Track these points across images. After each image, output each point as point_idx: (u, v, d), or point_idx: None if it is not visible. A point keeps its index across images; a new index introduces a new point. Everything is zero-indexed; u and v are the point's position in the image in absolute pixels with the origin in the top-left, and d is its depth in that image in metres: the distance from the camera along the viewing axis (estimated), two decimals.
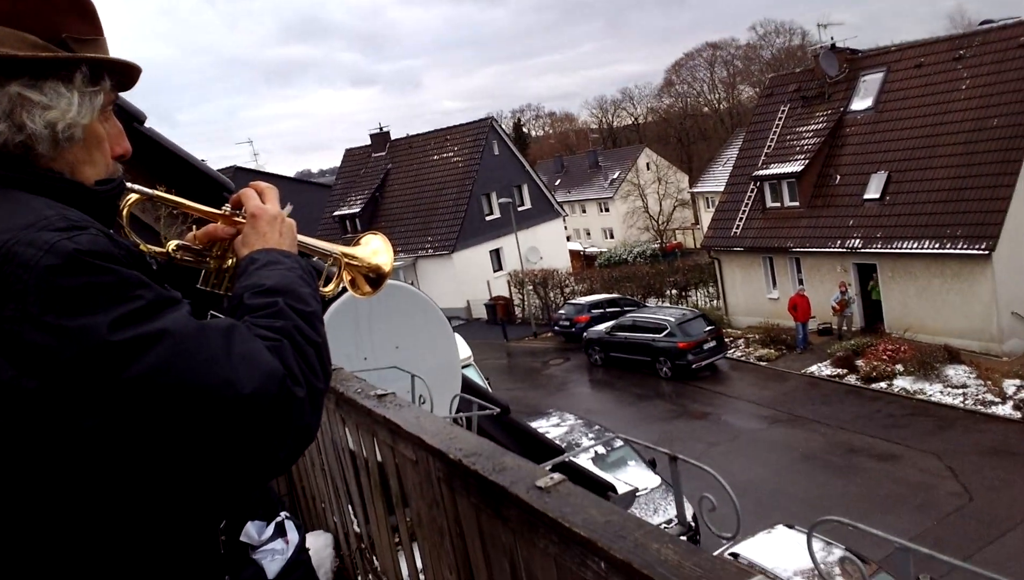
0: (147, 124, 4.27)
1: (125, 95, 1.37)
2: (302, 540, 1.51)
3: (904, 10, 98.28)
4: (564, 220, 43.85)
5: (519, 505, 1.27)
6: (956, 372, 18.72)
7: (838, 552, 8.87)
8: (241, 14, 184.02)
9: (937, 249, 20.45)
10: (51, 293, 0.96)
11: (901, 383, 18.95)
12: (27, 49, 1.10)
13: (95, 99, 1.18)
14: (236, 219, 1.47)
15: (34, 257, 0.97)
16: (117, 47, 1.28)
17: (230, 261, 1.48)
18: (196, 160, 4.75)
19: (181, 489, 1.11)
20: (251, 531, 1.38)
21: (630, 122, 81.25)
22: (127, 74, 1.26)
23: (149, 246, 1.43)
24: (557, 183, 61.57)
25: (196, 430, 1.01)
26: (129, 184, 1.36)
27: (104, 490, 1.05)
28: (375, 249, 1.74)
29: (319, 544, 2.78)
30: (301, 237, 1.54)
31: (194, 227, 1.54)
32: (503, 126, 46.16)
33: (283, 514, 1.49)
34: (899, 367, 19.34)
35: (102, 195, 1.21)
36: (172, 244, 1.50)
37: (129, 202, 1.40)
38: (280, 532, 1.45)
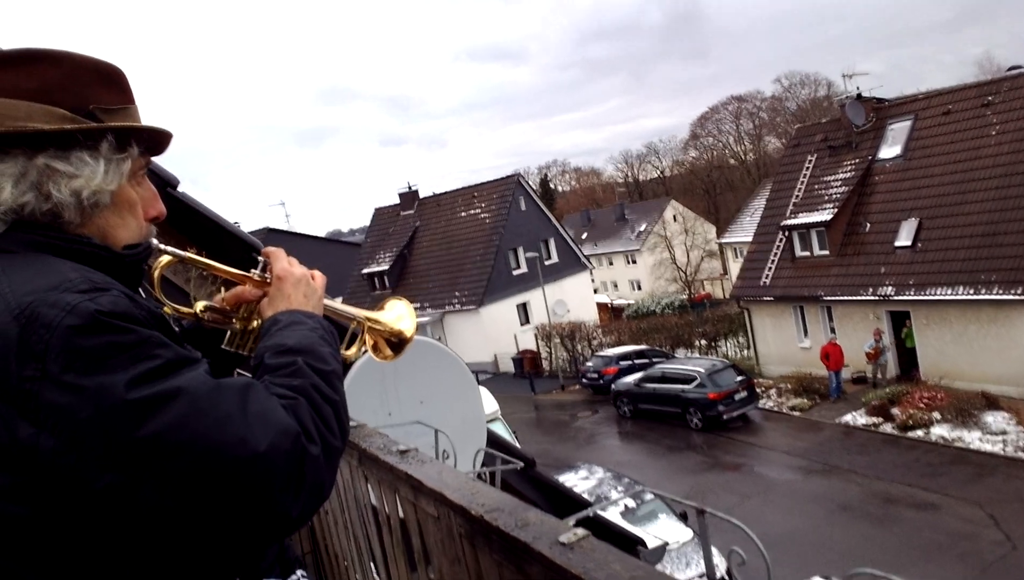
0: (181, 188, 4.38)
1: (160, 160, 1.42)
2: None
3: (929, 57, 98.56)
4: (591, 273, 43.88)
5: (541, 561, 1.26)
6: (995, 419, 18.20)
7: None
8: (274, 83, 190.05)
9: (972, 295, 20.11)
10: (71, 353, 0.99)
11: (939, 431, 18.46)
12: (55, 122, 1.15)
13: (122, 165, 1.22)
14: (263, 281, 1.51)
15: (56, 317, 1.00)
16: (156, 114, 1.32)
17: (255, 322, 1.51)
18: (227, 222, 4.85)
19: (194, 545, 1.12)
20: None
21: (656, 175, 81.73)
22: (156, 140, 1.30)
23: (178, 307, 1.47)
24: (584, 236, 61.85)
25: (209, 487, 1.02)
26: (161, 246, 1.39)
27: (118, 546, 1.06)
28: (399, 314, 1.76)
29: None
30: (327, 302, 1.57)
31: (223, 289, 1.57)
32: (530, 182, 46.64)
33: (299, 572, 1.48)
34: (936, 415, 18.87)
35: (128, 259, 1.25)
36: (200, 305, 1.53)
37: (161, 264, 1.44)
38: None
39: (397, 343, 1.75)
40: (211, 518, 1.05)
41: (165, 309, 1.36)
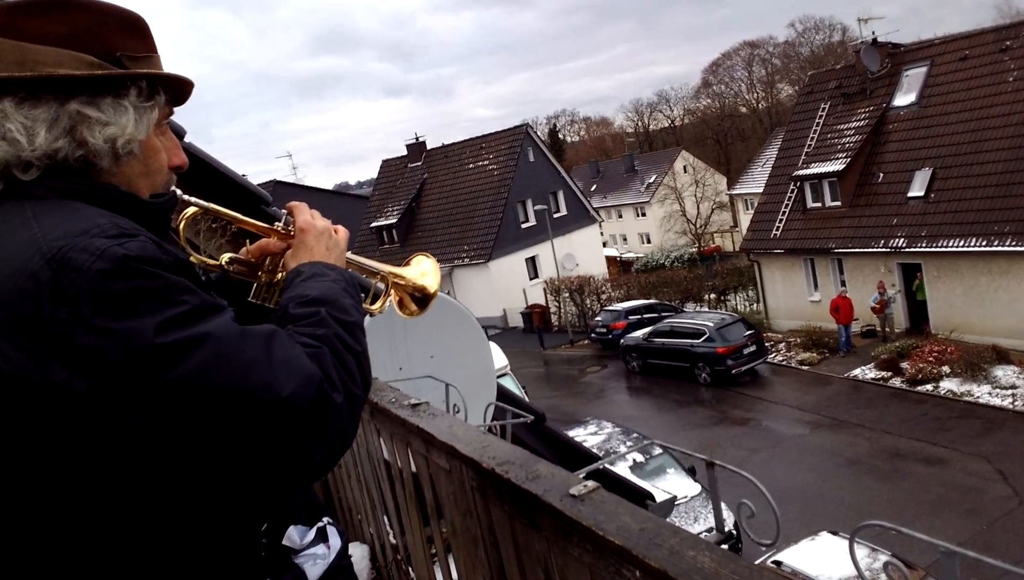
0: (186, 139, 4.34)
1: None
2: (344, 545, 1.52)
3: (946, 1, 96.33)
4: (600, 226, 43.71)
5: (552, 513, 1.27)
6: (1005, 373, 18.21)
7: (883, 557, 8.67)
8: (268, 27, 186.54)
9: (984, 247, 19.95)
10: (102, 297, 1.00)
11: (948, 385, 18.50)
12: (84, 68, 1.15)
13: (151, 114, 1.23)
14: (287, 234, 1.52)
15: (87, 262, 1.01)
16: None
17: (280, 275, 1.52)
18: (236, 174, 4.83)
19: (221, 489, 1.15)
20: (293, 535, 1.40)
21: (666, 124, 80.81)
22: (180, 89, 1.30)
23: (204, 259, 1.48)
24: (593, 188, 61.40)
25: (235, 431, 1.04)
26: (187, 197, 1.40)
27: (149, 488, 1.08)
28: (424, 270, 1.78)
29: (356, 556, 2.78)
30: (351, 255, 1.59)
31: (247, 242, 1.58)
32: (538, 132, 46.20)
33: (326, 519, 1.51)
34: (946, 369, 18.89)
35: (155, 207, 1.26)
36: (225, 257, 1.54)
37: (187, 215, 1.45)
38: (322, 537, 1.47)
39: (421, 298, 1.76)
40: (237, 462, 1.08)
41: (191, 259, 1.36)
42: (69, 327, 0.99)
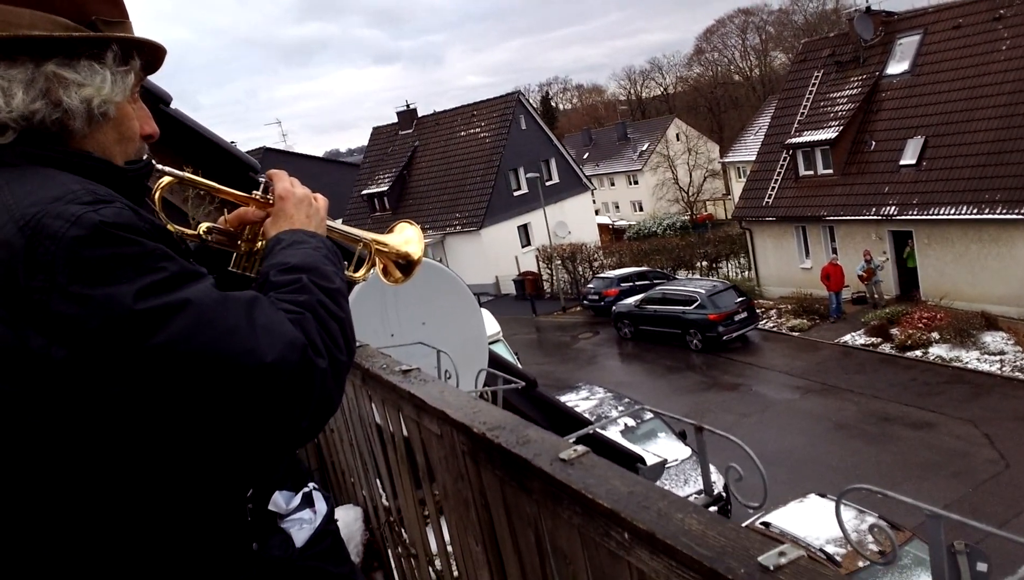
0: (172, 106, 4.29)
1: (150, 77, 1.40)
2: (330, 510, 1.53)
3: None
4: (592, 194, 43.56)
5: (542, 477, 1.28)
6: (993, 339, 18.38)
7: (870, 520, 8.82)
8: None
9: (975, 215, 20.00)
10: (78, 263, 0.99)
11: (937, 351, 18.66)
12: (59, 30, 1.13)
13: (126, 78, 1.21)
14: (266, 202, 1.51)
15: (61, 229, 1.00)
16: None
17: (260, 244, 1.51)
18: (223, 141, 4.78)
19: (206, 456, 1.15)
20: (279, 500, 1.41)
21: (659, 92, 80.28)
22: (154, 55, 1.29)
23: (181, 229, 1.47)
24: (585, 156, 61.11)
25: (219, 397, 1.04)
26: (161, 167, 1.39)
27: (131, 457, 1.08)
28: (407, 238, 1.77)
29: (349, 518, 2.82)
30: (332, 224, 1.58)
31: (226, 211, 1.56)
32: (530, 100, 45.79)
33: (311, 484, 1.51)
34: (935, 335, 19.05)
35: (130, 174, 1.24)
36: (203, 226, 1.53)
37: (162, 185, 1.44)
38: (308, 502, 1.48)
39: (405, 265, 1.75)
40: (222, 429, 1.07)
41: (168, 228, 1.36)
42: (45, 294, 0.98)
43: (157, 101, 3.90)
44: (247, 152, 5.49)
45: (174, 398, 1.03)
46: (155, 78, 1.46)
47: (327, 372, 1.14)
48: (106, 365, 1.00)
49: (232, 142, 5.36)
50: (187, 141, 4.40)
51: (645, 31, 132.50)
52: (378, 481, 2.67)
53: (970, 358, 18.00)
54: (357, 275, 1.69)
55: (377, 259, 1.74)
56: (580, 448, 1.29)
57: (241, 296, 1.12)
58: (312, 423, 1.13)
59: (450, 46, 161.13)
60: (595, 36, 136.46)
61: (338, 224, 1.66)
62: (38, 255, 0.98)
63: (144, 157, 1.31)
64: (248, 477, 1.32)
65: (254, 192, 1.52)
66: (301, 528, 1.43)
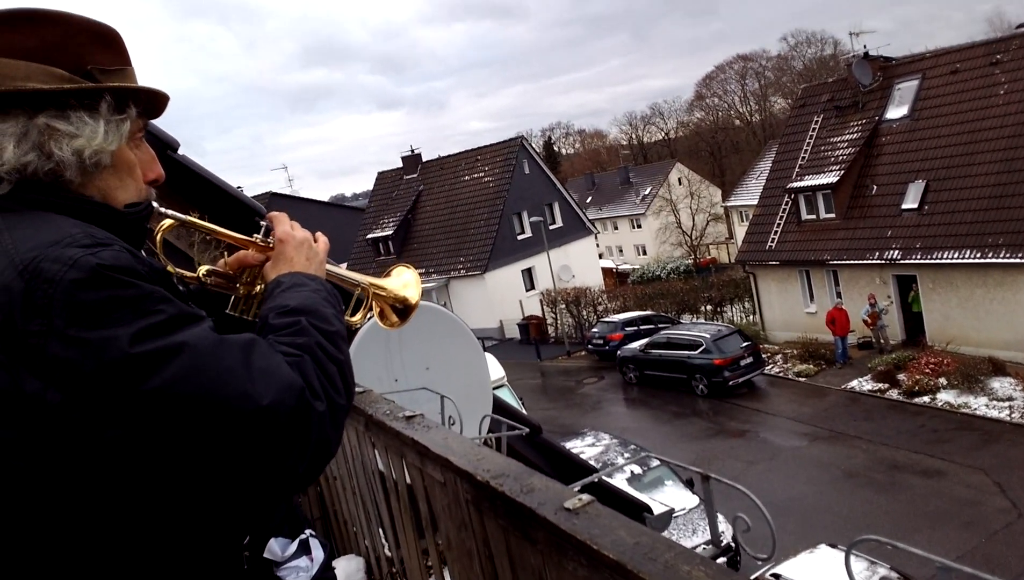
0: (179, 152, 4.34)
1: (158, 122, 1.42)
2: (328, 558, 1.51)
3: (938, 15, 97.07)
4: (596, 237, 43.76)
5: (547, 527, 1.26)
6: (1002, 384, 18.22)
7: (882, 571, 8.65)
8: (258, 38, 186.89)
9: (979, 259, 20.01)
10: (75, 307, 0.99)
11: (945, 397, 18.50)
12: (53, 82, 1.14)
13: (122, 126, 1.22)
14: (266, 246, 1.51)
15: (59, 272, 1.00)
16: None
17: (259, 287, 1.52)
18: (229, 186, 4.81)
19: (202, 501, 1.13)
20: (275, 548, 1.39)
21: (661, 137, 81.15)
22: (154, 102, 1.30)
23: (180, 271, 1.48)
24: (588, 200, 61.54)
25: (214, 441, 1.03)
26: (163, 209, 1.40)
27: (126, 502, 1.07)
28: (405, 282, 1.77)
29: (351, 568, 2.77)
30: (331, 267, 1.58)
31: (226, 254, 1.57)
32: (533, 145, 46.29)
33: (308, 532, 1.49)
34: (942, 380, 18.89)
35: (130, 217, 1.25)
36: (203, 269, 1.54)
37: (163, 227, 1.46)
38: (304, 549, 1.46)
39: (403, 309, 1.75)
40: (217, 474, 1.06)
41: (168, 269, 1.36)
42: (42, 338, 0.98)
43: (164, 147, 3.94)
44: (253, 197, 5.53)
45: (169, 442, 1.02)
46: (161, 124, 1.48)
47: (325, 416, 1.13)
48: (101, 409, 0.99)
49: (239, 187, 5.41)
50: (195, 187, 4.43)
51: (646, 77, 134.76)
52: (380, 530, 2.63)
53: (979, 404, 17.82)
54: (354, 319, 1.69)
55: (374, 303, 1.74)
56: (585, 497, 1.27)
57: (238, 339, 1.11)
58: (309, 468, 1.12)
59: (453, 92, 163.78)
60: (596, 82, 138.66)
61: (337, 267, 1.66)
62: (36, 299, 0.99)
63: (147, 201, 1.32)
64: (244, 523, 1.30)
65: (255, 235, 1.53)
66: (298, 576, 1.40)
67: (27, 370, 0.98)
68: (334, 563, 1.64)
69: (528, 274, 37.68)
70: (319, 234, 1.57)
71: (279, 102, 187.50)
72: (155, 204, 1.35)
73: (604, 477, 6.54)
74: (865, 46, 26.28)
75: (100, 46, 1.22)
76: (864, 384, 20.50)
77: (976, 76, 22.50)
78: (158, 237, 1.44)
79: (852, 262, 23.56)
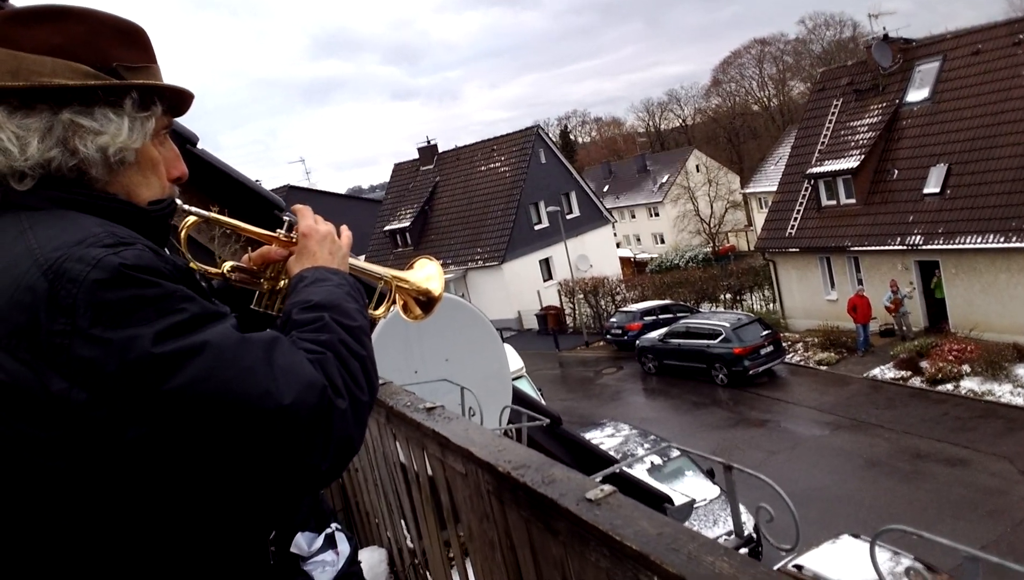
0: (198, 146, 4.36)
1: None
2: (354, 552, 1.51)
3: None
4: (613, 226, 43.60)
5: (568, 518, 1.26)
6: None
7: (906, 562, 8.59)
8: (268, 31, 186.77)
9: (1002, 243, 19.72)
10: (98, 306, 1.00)
11: (968, 384, 18.30)
12: (78, 78, 1.15)
13: (146, 124, 1.22)
14: (289, 240, 1.51)
15: (82, 272, 1.01)
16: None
17: (283, 282, 1.52)
18: (248, 180, 4.84)
19: (226, 498, 1.14)
20: (301, 542, 1.39)
21: (678, 124, 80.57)
22: (178, 99, 1.30)
23: (204, 267, 1.48)
24: (605, 189, 61.29)
25: (237, 439, 1.04)
26: (186, 206, 1.41)
27: (153, 498, 1.08)
28: (428, 274, 1.77)
29: (374, 560, 2.79)
30: (354, 261, 1.58)
31: (249, 249, 1.57)
32: (549, 134, 46.14)
33: (334, 526, 1.50)
34: (966, 368, 18.68)
35: (153, 214, 1.25)
36: (227, 265, 1.54)
37: (187, 224, 1.46)
38: (331, 544, 1.46)
39: (426, 302, 1.75)
40: (241, 471, 1.07)
41: (191, 266, 1.37)
42: (67, 338, 0.99)
43: (184, 142, 3.97)
44: (271, 190, 5.55)
45: (191, 441, 1.03)
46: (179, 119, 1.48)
47: (347, 413, 1.13)
48: (124, 408, 1.00)
49: (257, 181, 5.44)
50: (214, 181, 4.46)
51: (661, 64, 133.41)
52: (403, 522, 2.64)
53: (1003, 391, 17.61)
54: (377, 313, 1.69)
55: (397, 296, 1.74)
56: (607, 488, 1.27)
57: (261, 337, 1.12)
58: (332, 465, 1.12)
59: (466, 81, 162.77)
60: (611, 69, 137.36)
61: (359, 261, 1.66)
62: (60, 298, 1.00)
63: (171, 198, 1.32)
64: (269, 519, 1.31)
65: (278, 230, 1.53)
66: (324, 570, 1.41)
67: (52, 370, 0.99)
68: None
69: (546, 264, 37.63)
70: (343, 228, 1.57)
71: (293, 94, 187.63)
72: (178, 201, 1.36)
73: (625, 468, 6.54)
74: (884, 28, 25.95)
75: (126, 43, 1.22)
76: (886, 372, 20.30)
77: (998, 56, 22.11)
78: (182, 234, 1.45)
79: (873, 248, 23.29)
